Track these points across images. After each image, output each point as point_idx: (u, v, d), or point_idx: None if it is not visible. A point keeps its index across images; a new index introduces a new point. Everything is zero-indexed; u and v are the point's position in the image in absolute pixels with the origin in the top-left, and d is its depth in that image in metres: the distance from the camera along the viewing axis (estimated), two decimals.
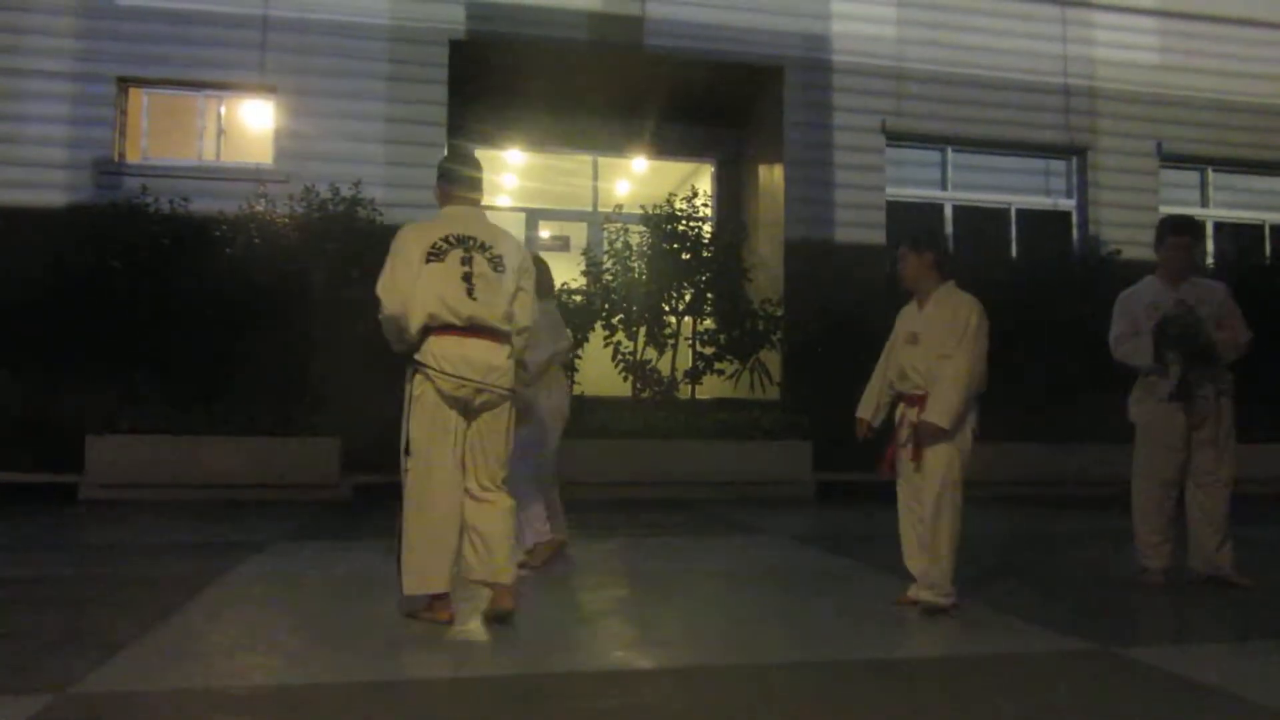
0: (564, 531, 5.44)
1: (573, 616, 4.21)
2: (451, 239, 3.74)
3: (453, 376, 3.67)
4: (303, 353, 8.44)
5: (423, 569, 3.76)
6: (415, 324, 3.68)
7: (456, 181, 3.99)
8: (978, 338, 4.06)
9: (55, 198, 9.52)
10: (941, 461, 4.05)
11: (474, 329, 3.71)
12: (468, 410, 3.79)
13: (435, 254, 3.70)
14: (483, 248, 3.78)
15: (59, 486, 8.01)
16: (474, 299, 3.69)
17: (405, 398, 3.80)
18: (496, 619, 3.82)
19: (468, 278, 3.69)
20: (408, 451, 3.78)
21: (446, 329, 3.68)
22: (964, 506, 4.10)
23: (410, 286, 3.67)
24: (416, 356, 3.73)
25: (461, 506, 3.82)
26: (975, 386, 4.05)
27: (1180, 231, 4.93)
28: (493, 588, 3.86)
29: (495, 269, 3.77)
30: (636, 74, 11.32)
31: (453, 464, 3.78)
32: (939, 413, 3.98)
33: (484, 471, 3.85)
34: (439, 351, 3.68)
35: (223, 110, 10.42)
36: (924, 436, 4.03)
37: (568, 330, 5.53)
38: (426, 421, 3.73)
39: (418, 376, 3.73)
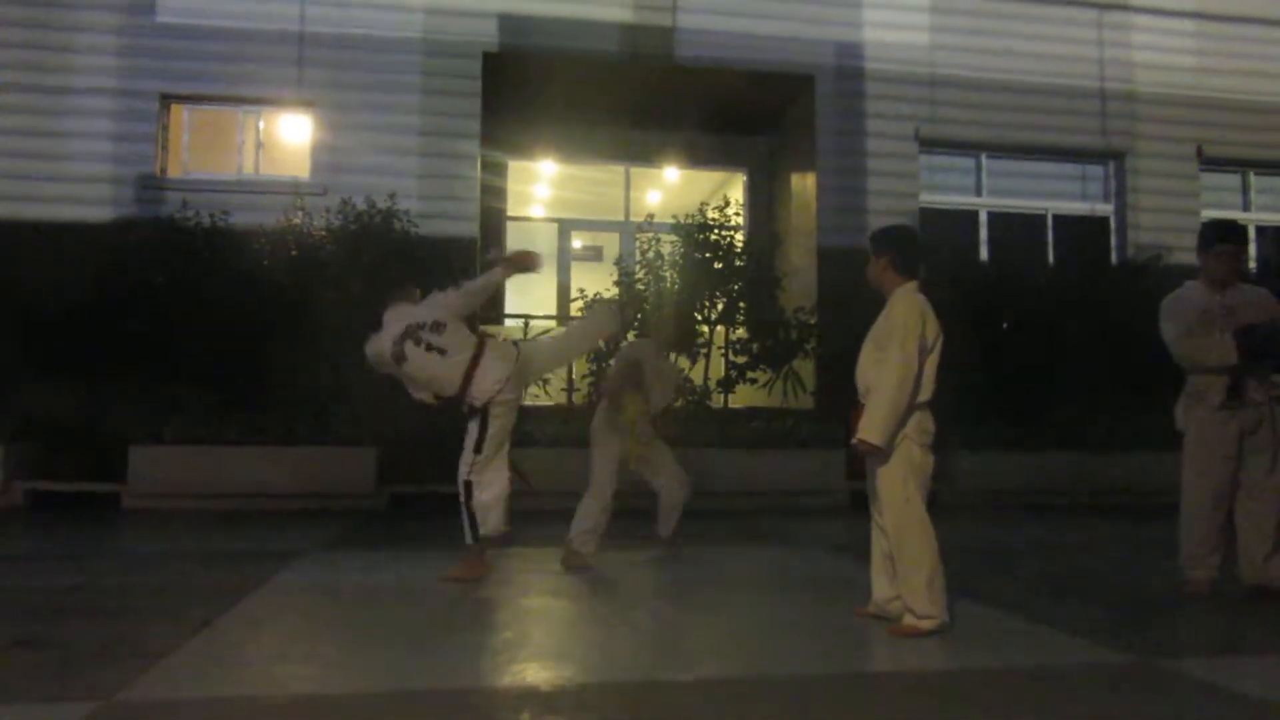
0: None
1: (608, 627, 4.22)
2: (400, 337, 4.93)
3: (514, 384, 5.09)
4: (340, 363, 8.54)
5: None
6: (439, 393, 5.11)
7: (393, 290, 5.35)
8: (905, 341, 3.82)
9: (99, 212, 9.73)
10: (893, 480, 3.89)
11: (476, 360, 4.99)
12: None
13: (399, 358, 4.94)
14: (420, 326, 4.92)
15: (103, 496, 8.17)
16: (445, 355, 4.89)
17: None
18: None
19: (432, 349, 4.91)
20: None
21: (474, 364, 5.02)
22: (928, 519, 3.88)
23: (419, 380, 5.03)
24: None
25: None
26: (907, 394, 3.80)
27: (1226, 238, 4.80)
28: None
29: (436, 331, 4.91)
30: (668, 84, 11.36)
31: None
32: (866, 428, 3.81)
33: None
34: (486, 380, 5.00)
35: (261, 125, 10.60)
36: (862, 454, 3.90)
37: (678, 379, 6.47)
38: (507, 423, 5.14)
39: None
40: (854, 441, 3.90)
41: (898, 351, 3.83)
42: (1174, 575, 4.84)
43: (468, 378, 4.89)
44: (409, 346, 4.82)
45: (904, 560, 3.88)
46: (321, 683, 3.18)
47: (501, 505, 5.02)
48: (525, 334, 9.95)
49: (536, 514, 7.65)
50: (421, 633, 3.92)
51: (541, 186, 13.43)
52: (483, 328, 5.56)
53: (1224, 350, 4.61)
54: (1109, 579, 5.43)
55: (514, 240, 12.57)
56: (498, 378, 4.94)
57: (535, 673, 3.32)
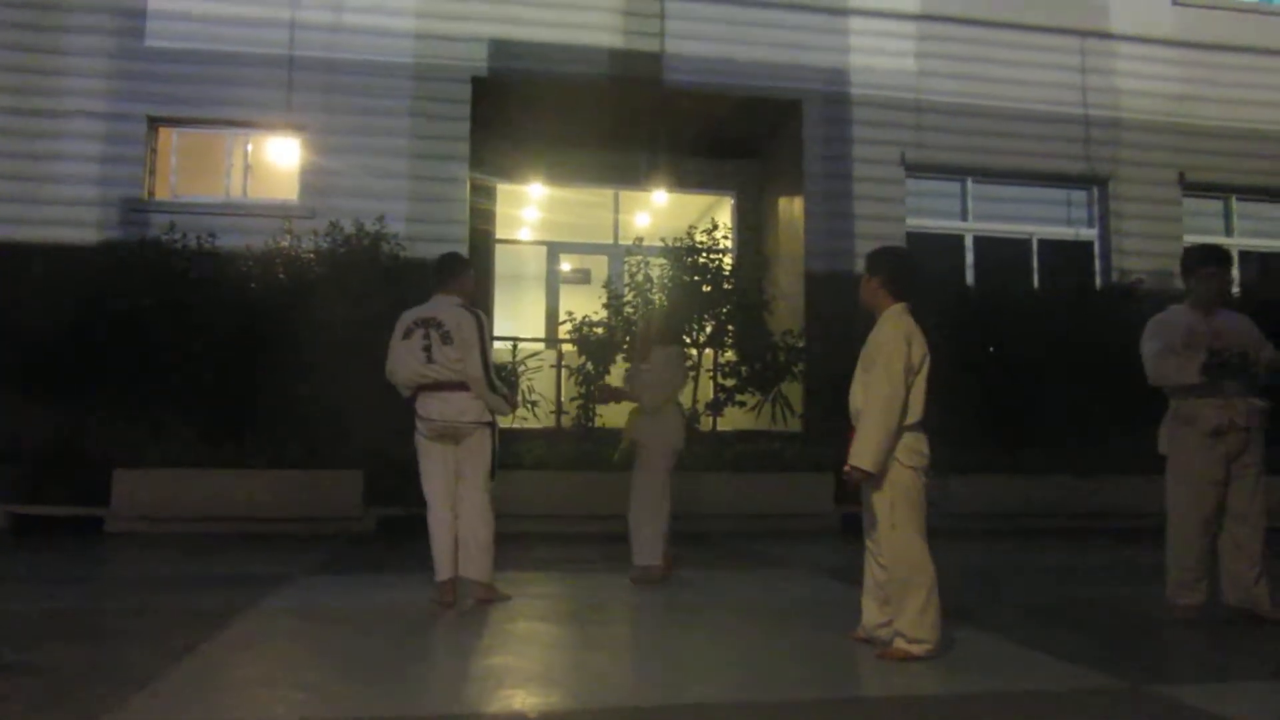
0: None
1: (597, 651, 4.20)
2: (418, 321, 5.00)
3: (424, 419, 4.98)
4: (327, 386, 8.51)
5: (434, 562, 4.97)
6: (399, 384, 5.08)
7: (435, 276, 5.26)
8: (890, 363, 3.81)
9: (87, 235, 9.69)
10: (883, 505, 3.88)
11: (439, 385, 4.92)
12: (455, 441, 4.99)
13: (406, 334, 5.01)
14: (437, 326, 4.95)
15: (87, 519, 8.08)
16: (432, 362, 4.91)
17: None
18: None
19: (426, 349, 4.92)
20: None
21: (422, 387, 4.97)
22: (925, 545, 3.85)
23: (394, 357, 5.04)
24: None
25: (450, 516, 4.98)
26: (895, 417, 3.78)
27: (1211, 261, 4.83)
28: (473, 584, 4.96)
29: (444, 341, 4.92)
30: (656, 109, 11.44)
31: (440, 487, 5.01)
32: (857, 453, 3.81)
33: (468, 485, 5.00)
34: (420, 403, 5.00)
35: (250, 148, 10.60)
36: (853, 480, 3.89)
37: (688, 372, 6.42)
38: (421, 454, 5.06)
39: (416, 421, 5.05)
40: (845, 469, 3.88)
41: (883, 374, 3.83)
42: (1163, 600, 4.84)
43: (422, 389, 4.96)
44: (429, 327, 4.96)
45: (896, 584, 3.87)
46: (308, 708, 3.15)
47: (434, 547, 4.97)
48: (514, 356, 9.95)
49: (523, 538, 7.62)
50: (409, 658, 3.89)
51: (530, 209, 13.47)
52: None
53: (1186, 369, 4.63)
54: (1098, 603, 5.43)
55: (503, 263, 12.60)
56: (440, 406, 4.93)
57: (523, 698, 3.29)
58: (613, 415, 9.46)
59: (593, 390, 6.58)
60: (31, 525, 8.10)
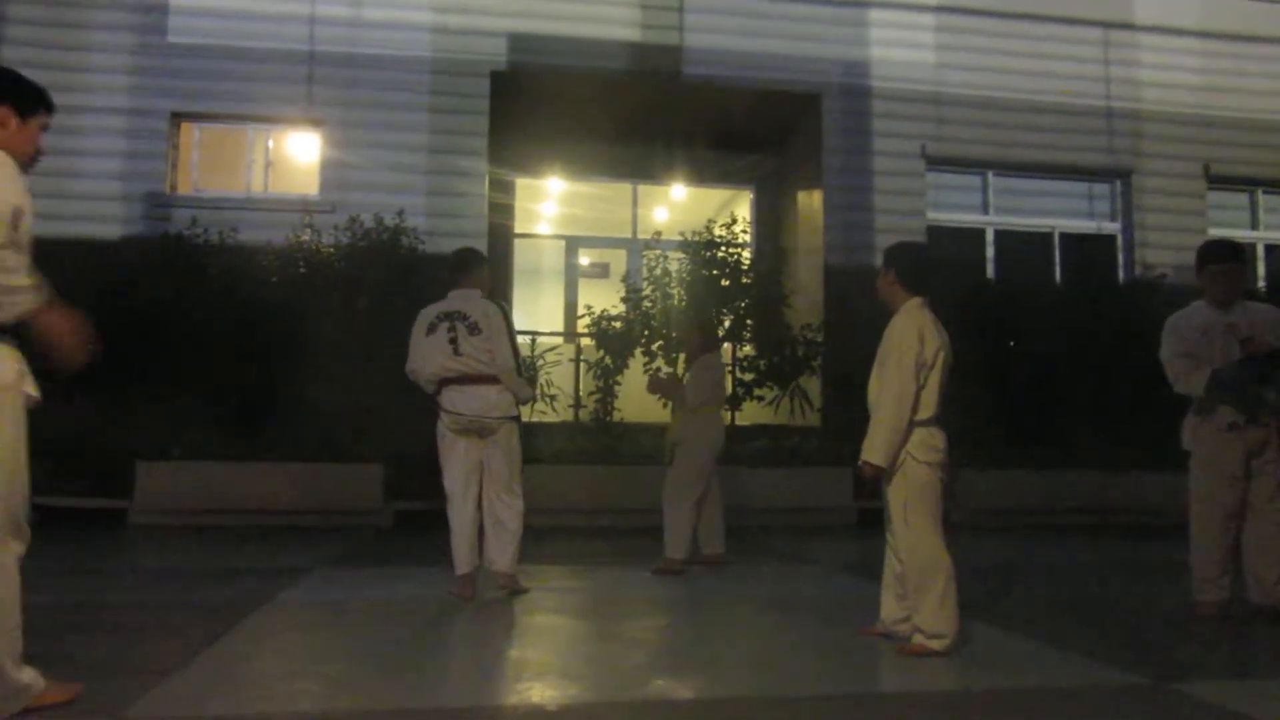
0: (721, 546, 6.27)
1: (614, 644, 4.20)
2: (441, 315, 5.00)
3: (451, 413, 4.95)
4: (347, 380, 8.55)
5: (454, 556, 4.98)
6: (424, 379, 5.05)
7: (451, 272, 5.22)
8: (902, 358, 3.81)
9: (109, 230, 9.78)
10: (897, 500, 3.88)
11: (466, 378, 4.91)
12: (481, 436, 4.98)
13: (429, 329, 4.99)
14: (463, 318, 4.95)
15: (110, 511, 8.18)
16: (460, 355, 4.90)
17: None
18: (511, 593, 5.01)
19: (453, 341, 4.91)
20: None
21: (448, 381, 4.95)
22: (941, 540, 3.84)
23: (417, 353, 5.02)
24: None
25: (474, 511, 5.01)
26: (906, 412, 3.79)
27: (1216, 259, 4.77)
28: (499, 574, 5.01)
29: (471, 332, 4.91)
30: (675, 102, 11.41)
31: (462, 481, 5.00)
32: (868, 448, 3.83)
33: (496, 482, 5.01)
34: (446, 398, 4.98)
35: (270, 143, 10.66)
36: (865, 475, 3.89)
37: (724, 380, 6.60)
38: (444, 449, 5.04)
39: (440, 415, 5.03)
40: (859, 464, 3.90)
41: (894, 369, 3.84)
42: (1184, 597, 4.80)
43: (448, 383, 4.95)
44: (454, 320, 4.98)
45: (913, 580, 3.86)
46: (328, 700, 3.17)
47: (454, 541, 5.01)
48: (532, 351, 9.97)
49: (541, 531, 7.64)
50: (428, 651, 3.91)
51: (549, 204, 13.48)
52: None
53: (1192, 381, 4.60)
54: (1118, 599, 5.40)
55: (521, 257, 12.62)
56: (469, 402, 4.94)
57: (541, 691, 3.30)
58: (630, 410, 9.50)
59: (650, 378, 6.87)
60: (54, 517, 8.18)
